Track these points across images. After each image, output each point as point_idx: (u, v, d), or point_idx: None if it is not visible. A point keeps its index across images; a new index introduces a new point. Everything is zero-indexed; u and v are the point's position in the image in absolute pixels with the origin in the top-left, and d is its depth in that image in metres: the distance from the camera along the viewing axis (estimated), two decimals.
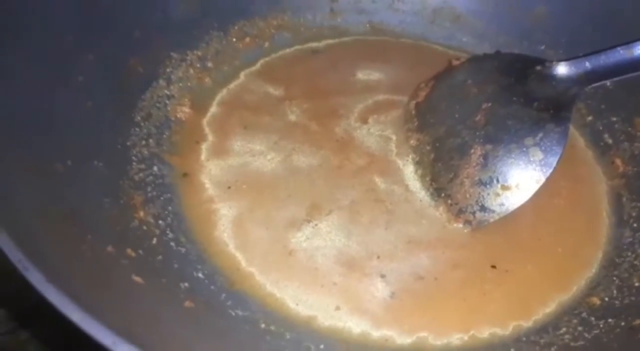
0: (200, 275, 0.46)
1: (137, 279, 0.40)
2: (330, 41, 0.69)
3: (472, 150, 0.52)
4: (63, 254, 0.36)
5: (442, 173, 0.54)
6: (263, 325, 0.44)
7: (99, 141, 0.50)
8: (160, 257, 0.45)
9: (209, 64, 0.64)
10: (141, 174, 0.52)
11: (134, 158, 0.53)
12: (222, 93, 0.63)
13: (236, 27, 0.67)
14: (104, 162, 0.49)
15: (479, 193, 0.51)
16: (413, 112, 0.60)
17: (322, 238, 0.51)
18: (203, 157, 0.56)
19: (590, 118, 0.62)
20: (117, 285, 0.38)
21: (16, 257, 0.29)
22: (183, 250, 0.48)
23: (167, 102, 0.59)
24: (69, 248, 0.37)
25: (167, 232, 0.49)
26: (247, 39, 0.67)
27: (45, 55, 0.47)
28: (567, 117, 0.51)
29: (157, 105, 0.58)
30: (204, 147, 0.57)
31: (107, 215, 0.45)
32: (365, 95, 0.63)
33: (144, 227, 0.48)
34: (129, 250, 0.43)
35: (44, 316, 0.31)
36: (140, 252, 0.44)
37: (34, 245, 0.33)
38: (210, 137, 0.58)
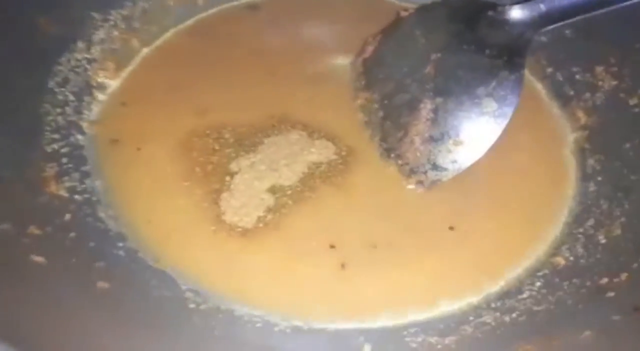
0: (120, 252, 0.42)
1: (38, 259, 0.35)
2: None
3: (422, 105, 0.48)
4: None
5: (391, 132, 0.49)
6: (192, 305, 0.39)
7: (2, 108, 0.44)
8: (72, 234, 0.41)
9: (136, 24, 0.58)
10: (55, 145, 0.47)
11: (46, 127, 0.47)
12: (151, 55, 0.57)
13: None
14: (7, 132, 0.43)
15: (430, 150, 0.47)
16: (360, 69, 0.55)
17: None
18: (131, 123, 0.51)
19: (550, 69, 0.58)
20: (7, 266, 0.33)
21: None
22: (102, 226, 0.43)
23: (88, 66, 0.54)
24: None
25: (84, 207, 0.44)
26: None
27: None
28: (521, 63, 0.47)
29: (76, 69, 0.53)
30: (130, 113, 0.52)
31: (7, 190, 0.39)
32: (309, 52, 0.58)
33: (56, 202, 0.43)
34: (32, 228, 0.38)
35: None
36: (48, 229, 0.39)
37: None
38: (138, 102, 0.52)
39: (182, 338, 0.36)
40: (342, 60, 0.57)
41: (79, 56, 0.53)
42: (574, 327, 0.36)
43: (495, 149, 0.47)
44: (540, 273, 0.43)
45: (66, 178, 0.45)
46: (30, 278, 0.33)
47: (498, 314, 0.40)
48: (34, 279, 0.33)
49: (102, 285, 0.37)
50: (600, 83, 0.53)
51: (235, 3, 0.63)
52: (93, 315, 0.33)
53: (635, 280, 0.38)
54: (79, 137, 0.49)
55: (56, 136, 0.47)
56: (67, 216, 0.42)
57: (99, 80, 0.53)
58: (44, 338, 0.26)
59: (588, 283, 0.40)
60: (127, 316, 0.35)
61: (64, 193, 0.44)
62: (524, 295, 0.42)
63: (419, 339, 0.39)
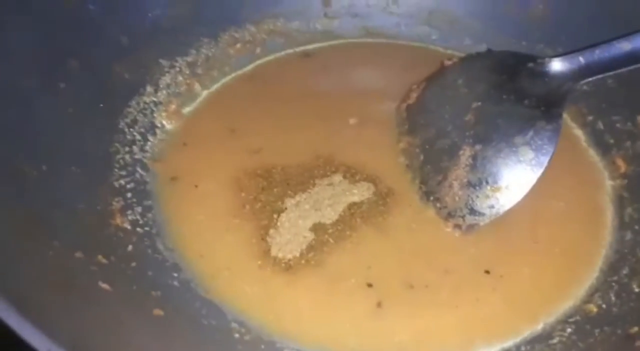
0: (175, 282, 0.46)
1: (104, 286, 0.39)
2: (322, 44, 0.68)
3: (461, 151, 0.50)
4: (18, 259, 0.35)
5: (431, 175, 0.52)
6: (237, 335, 0.43)
7: (79, 147, 0.50)
8: (134, 264, 0.45)
9: (199, 70, 0.63)
10: (122, 181, 0.52)
11: (115, 164, 0.52)
12: (211, 98, 0.62)
13: (227, 34, 0.66)
14: (82, 168, 0.48)
15: (468, 195, 0.49)
16: (404, 115, 0.58)
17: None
18: (190, 162, 0.55)
19: (590, 117, 0.59)
20: (80, 291, 0.37)
21: None
22: (159, 257, 0.47)
23: (154, 108, 0.59)
24: (29, 253, 0.36)
25: (145, 239, 0.48)
26: (238, 45, 0.66)
27: (25, 61, 0.47)
28: (559, 114, 0.49)
29: (144, 111, 0.58)
30: (191, 152, 0.56)
31: (80, 221, 0.44)
32: (357, 98, 0.62)
33: (120, 234, 0.47)
34: (100, 257, 0.42)
35: None
36: (113, 258, 0.43)
37: None
38: (197, 142, 0.57)
39: None
40: (387, 106, 0.60)
41: (147, 99, 0.58)
42: None
43: (533, 195, 0.49)
44: (572, 320, 0.44)
45: (130, 211, 0.49)
46: (97, 303, 0.37)
47: None
48: (100, 303, 0.37)
49: (157, 312, 0.40)
50: None
51: (289, 51, 0.67)
52: (148, 339, 0.37)
53: None
54: (143, 173, 0.53)
55: (123, 173, 0.52)
56: (130, 247, 0.46)
57: (164, 121, 0.58)
58: None
59: (619, 331, 0.41)
60: (179, 342, 0.39)
61: (127, 225, 0.48)
62: (555, 341, 0.43)
63: None
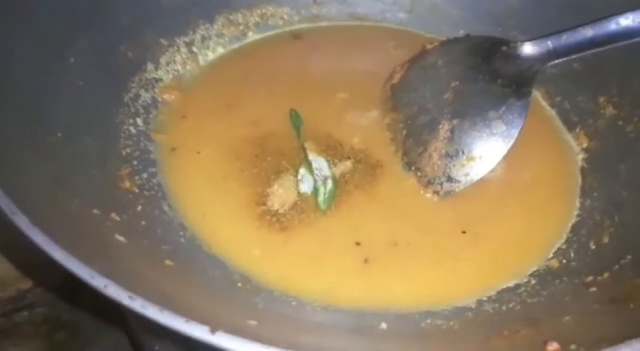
0: (182, 240, 0.50)
1: (121, 238, 0.43)
2: (311, 26, 0.72)
3: (440, 126, 0.55)
4: (52, 211, 0.39)
5: (413, 148, 0.57)
6: (239, 285, 0.47)
7: (88, 118, 0.53)
8: (144, 223, 0.49)
9: (195, 49, 0.67)
10: (128, 149, 0.55)
11: (122, 135, 0.56)
12: (207, 75, 0.66)
13: (222, 16, 0.70)
14: (93, 136, 0.52)
15: (446, 165, 0.54)
16: (389, 94, 0.63)
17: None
18: (188, 134, 0.59)
19: (559, 98, 0.64)
20: (101, 241, 0.41)
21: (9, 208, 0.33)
22: (166, 218, 0.51)
23: (155, 84, 0.62)
24: (59, 207, 0.40)
25: (152, 201, 0.52)
26: (232, 28, 0.70)
27: (39, 39, 0.50)
28: (528, 92, 0.54)
29: (146, 87, 0.61)
30: (190, 125, 0.60)
31: (94, 183, 0.48)
32: (344, 77, 0.66)
33: (130, 196, 0.51)
34: (113, 214, 0.46)
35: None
36: (125, 217, 0.47)
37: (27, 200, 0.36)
38: (195, 116, 0.61)
39: (233, 308, 0.43)
40: (373, 85, 0.65)
41: (148, 76, 0.62)
42: (559, 314, 0.42)
43: (506, 166, 0.54)
44: (536, 273, 0.50)
45: (137, 177, 0.53)
46: (117, 252, 0.41)
47: (497, 305, 0.47)
48: (120, 253, 0.42)
49: (169, 263, 0.44)
50: (602, 111, 0.60)
51: (280, 31, 0.72)
52: (164, 285, 0.41)
53: (615, 278, 0.45)
54: (148, 143, 0.57)
55: (129, 142, 0.55)
56: (139, 207, 0.50)
57: (164, 97, 0.62)
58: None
59: (576, 281, 0.46)
60: (188, 288, 0.43)
61: (135, 189, 0.52)
62: (521, 290, 0.48)
63: (428, 321, 0.46)
